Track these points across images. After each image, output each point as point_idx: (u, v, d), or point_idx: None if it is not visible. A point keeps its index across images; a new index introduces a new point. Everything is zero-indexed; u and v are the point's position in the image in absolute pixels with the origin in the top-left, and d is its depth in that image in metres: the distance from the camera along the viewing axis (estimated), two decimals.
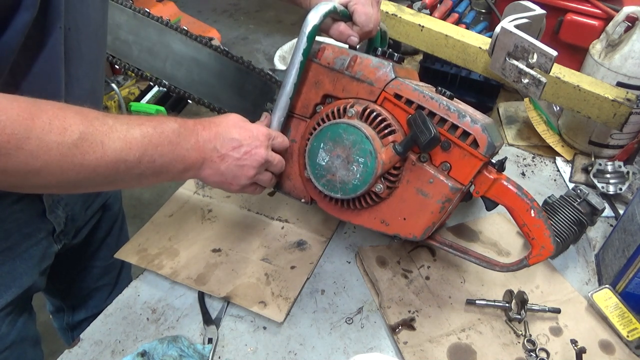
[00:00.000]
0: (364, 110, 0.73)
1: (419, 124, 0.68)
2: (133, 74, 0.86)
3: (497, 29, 0.96)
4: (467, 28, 1.42)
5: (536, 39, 0.91)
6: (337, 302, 0.85)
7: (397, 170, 0.73)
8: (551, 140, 1.21)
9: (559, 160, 1.19)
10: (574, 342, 0.79)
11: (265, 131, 0.74)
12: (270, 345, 0.79)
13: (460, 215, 1.01)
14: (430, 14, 1.35)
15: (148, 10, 0.85)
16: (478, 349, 0.78)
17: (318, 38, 0.75)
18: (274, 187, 0.83)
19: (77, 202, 0.91)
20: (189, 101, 0.89)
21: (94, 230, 1.04)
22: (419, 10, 1.34)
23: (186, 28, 0.87)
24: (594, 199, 0.92)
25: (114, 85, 2.70)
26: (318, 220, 0.99)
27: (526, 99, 1.28)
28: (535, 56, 0.91)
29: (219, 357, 0.77)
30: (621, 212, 1.02)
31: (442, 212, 0.74)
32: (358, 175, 0.72)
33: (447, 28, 1.14)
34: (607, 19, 1.22)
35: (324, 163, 0.75)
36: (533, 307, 0.83)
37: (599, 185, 1.06)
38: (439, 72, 1.30)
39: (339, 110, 0.75)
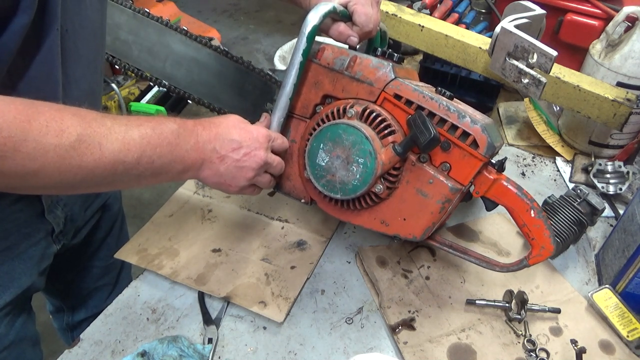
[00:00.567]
0: (364, 110, 0.73)
1: (418, 125, 0.68)
2: (133, 74, 0.86)
3: (497, 29, 0.96)
4: (467, 28, 1.42)
5: (536, 39, 0.91)
6: (337, 302, 0.85)
7: (396, 170, 0.73)
8: (551, 140, 1.21)
9: (559, 160, 1.19)
10: (574, 342, 0.79)
11: (265, 133, 0.74)
12: (270, 345, 0.79)
13: (460, 215, 1.01)
14: (430, 14, 1.35)
15: (148, 11, 0.85)
16: (478, 349, 0.78)
17: (318, 38, 0.75)
18: (273, 187, 0.83)
19: (77, 202, 0.91)
20: (189, 101, 0.89)
21: (94, 231, 1.04)
22: (419, 10, 1.34)
23: (186, 28, 0.87)
24: (594, 199, 0.92)
25: (113, 85, 2.70)
26: (318, 220, 0.99)
27: (526, 99, 1.28)
28: (535, 56, 0.91)
29: (219, 357, 0.77)
30: (621, 212, 1.02)
31: (442, 213, 0.74)
32: (358, 176, 0.72)
33: (447, 28, 1.14)
34: (607, 19, 1.22)
35: (323, 163, 0.75)
36: (533, 307, 0.83)
37: (599, 185, 1.06)
38: (439, 72, 1.30)
39: (338, 110, 0.75)
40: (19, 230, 0.77)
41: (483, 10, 1.57)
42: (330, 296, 0.86)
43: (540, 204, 0.94)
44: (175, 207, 1.00)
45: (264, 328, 0.81)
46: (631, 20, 1.07)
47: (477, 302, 0.84)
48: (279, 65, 1.51)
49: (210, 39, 0.89)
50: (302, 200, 0.84)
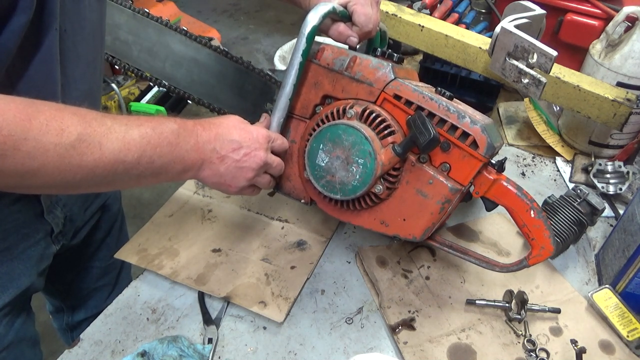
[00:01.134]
0: (364, 111, 0.73)
1: (418, 125, 0.68)
2: (133, 74, 0.86)
3: (497, 29, 0.96)
4: (467, 28, 1.42)
5: (536, 39, 0.91)
6: (337, 302, 0.85)
7: (396, 171, 0.73)
8: (551, 140, 1.21)
9: (559, 160, 1.19)
10: (574, 342, 0.79)
11: (265, 133, 0.74)
12: (270, 345, 0.79)
13: (460, 215, 1.01)
14: (430, 14, 1.35)
15: (147, 11, 0.85)
16: (478, 349, 0.78)
17: (318, 38, 0.75)
18: (273, 188, 0.83)
19: (76, 202, 0.91)
20: (189, 101, 0.90)
21: (93, 231, 1.04)
22: (419, 10, 1.34)
23: (185, 28, 0.87)
24: (594, 199, 0.92)
25: (113, 85, 2.70)
26: (318, 220, 0.99)
27: (526, 99, 1.28)
28: (535, 56, 0.91)
29: (219, 357, 0.77)
30: (621, 212, 1.02)
31: (442, 213, 0.74)
32: (357, 177, 0.72)
33: (447, 28, 1.14)
34: (607, 19, 1.22)
35: (323, 164, 0.75)
36: (533, 307, 0.83)
37: (599, 185, 1.06)
38: (439, 72, 1.30)
39: (338, 111, 0.75)
40: (18, 230, 0.77)
41: (483, 10, 1.57)
42: (330, 296, 0.86)
43: (540, 204, 0.94)
44: (175, 207, 1.00)
45: (264, 328, 0.81)
46: (631, 20, 1.06)
47: (477, 302, 0.84)
48: (279, 66, 1.51)
49: (210, 39, 0.89)
50: (302, 201, 0.84)
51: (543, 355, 0.78)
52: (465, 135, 0.70)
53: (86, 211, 0.97)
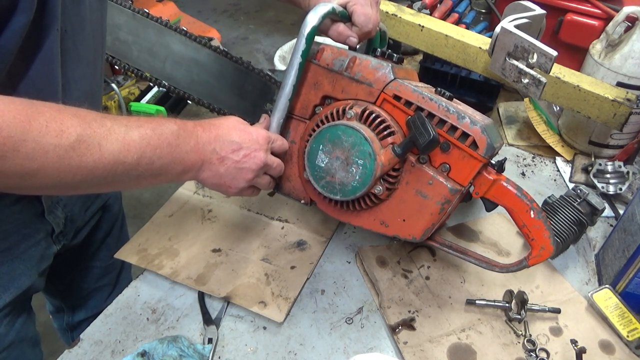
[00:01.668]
0: (363, 111, 0.73)
1: (418, 126, 0.68)
2: (133, 75, 0.86)
3: (497, 29, 0.96)
4: (467, 28, 1.42)
5: (536, 39, 0.91)
6: (337, 302, 0.85)
7: (396, 171, 0.73)
8: (551, 140, 1.21)
9: (559, 160, 1.19)
10: (574, 342, 0.79)
11: (265, 134, 0.74)
12: (270, 345, 0.79)
13: (460, 215, 1.01)
14: (430, 14, 1.35)
15: (147, 11, 0.85)
16: (478, 349, 0.78)
17: (317, 38, 0.75)
18: (273, 188, 0.84)
19: (77, 203, 0.91)
20: (189, 102, 0.90)
21: (94, 231, 1.04)
22: (419, 10, 1.34)
23: (185, 29, 0.87)
24: (594, 199, 0.92)
25: (114, 85, 2.70)
26: (318, 220, 0.99)
27: (526, 99, 1.28)
28: (535, 56, 0.91)
29: (219, 357, 0.77)
30: (621, 212, 1.02)
31: (442, 214, 0.74)
32: (357, 177, 0.72)
33: (447, 28, 1.14)
34: (607, 19, 1.22)
35: (323, 165, 0.75)
36: (533, 307, 0.83)
37: (599, 185, 1.06)
38: (439, 72, 1.30)
39: (338, 111, 0.74)
40: (19, 230, 0.77)
41: (483, 10, 1.57)
42: (330, 296, 0.86)
43: (540, 204, 0.94)
44: (175, 207, 1.00)
45: (264, 328, 0.81)
46: (631, 20, 1.06)
47: (477, 302, 0.84)
48: (279, 66, 1.51)
49: (210, 39, 0.89)
50: (302, 201, 0.84)
51: (543, 355, 0.78)
52: (465, 135, 0.70)
53: (87, 211, 0.97)
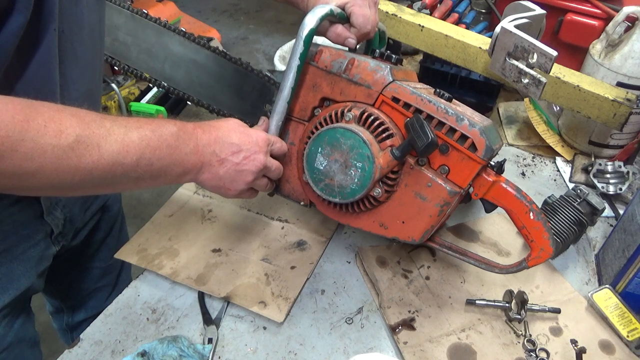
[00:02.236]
0: (362, 114, 0.73)
1: (416, 129, 0.68)
2: (132, 75, 0.86)
3: (497, 29, 0.96)
4: (467, 28, 1.42)
5: (536, 39, 0.91)
6: (337, 302, 0.85)
7: (395, 174, 0.73)
8: (551, 140, 1.21)
9: (559, 160, 1.19)
10: (574, 342, 0.79)
11: (265, 136, 0.74)
12: (270, 345, 0.79)
13: (460, 215, 1.01)
14: (430, 14, 1.35)
15: (146, 12, 0.85)
16: (478, 349, 0.78)
17: (316, 39, 0.75)
18: (272, 190, 0.84)
19: (76, 203, 0.91)
20: (188, 102, 0.90)
21: (93, 232, 1.04)
22: (419, 10, 1.34)
23: (184, 29, 0.87)
24: (594, 199, 0.92)
25: (113, 85, 2.70)
26: (318, 220, 0.99)
27: (526, 99, 1.28)
28: (535, 56, 0.91)
29: (219, 357, 0.77)
30: (621, 212, 1.02)
31: (441, 216, 0.74)
32: (356, 180, 0.72)
33: (447, 28, 1.14)
34: (607, 19, 1.22)
35: (322, 167, 0.74)
36: (533, 307, 0.83)
37: (599, 185, 1.06)
38: (439, 72, 1.30)
39: (336, 114, 0.74)
40: (18, 231, 0.77)
41: (483, 10, 1.57)
42: (330, 296, 0.86)
43: (540, 204, 0.94)
44: (175, 207, 1.01)
45: (264, 328, 0.81)
46: (631, 20, 1.06)
47: (477, 302, 0.84)
48: (279, 66, 1.51)
49: (210, 40, 0.89)
50: (302, 203, 0.84)
51: (543, 355, 0.78)
52: (464, 137, 0.70)
53: (86, 212, 0.97)
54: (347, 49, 0.82)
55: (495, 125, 0.84)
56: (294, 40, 0.75)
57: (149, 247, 0.92)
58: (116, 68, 0.87)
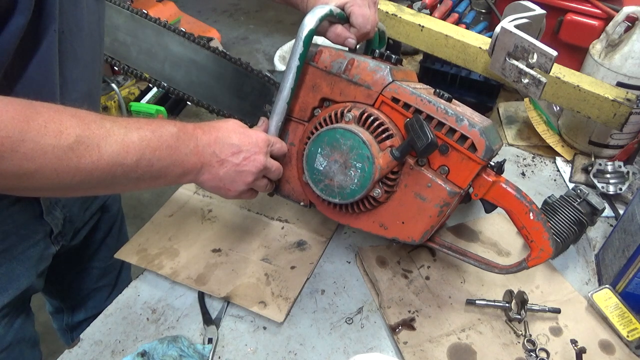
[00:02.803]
0: (362, 114, 0.73)
1: (416, 129, 0.68)
2: (132, 75, 0.86)
3: (497, 29, 0.96)
4: (467, 28, 1.42)
5: (536, 39, 0.91)
6: (337, 302, 0.85)
7: (395, 174, 0.73)
8: (551, 140, 1.21)
9: (559, 160, 1.19)
10: (574, 342, 0.79)
11: (265, 137, 0.74)
12: (270, 345, 0.79)
13: (460, 215, 1.01)
14: (430, 14, 1.35)
15: (146, 12, 0.85)
16: (478, 349, 0.78)
17: (316, 39, 0.75)
18: (272, 190, 0.84)
19: (76, 203, 0.90)
20: (188, 102, 0.89)
21: (93, 232, 1.04)
22: (419, 10, 1.34)
23: (184, 29, 0.87)
24: (594, 199, 0.92)
25: (113, 85, 2.70)
26: (318, 220, 0.99)
27: (526, 99, 1.28)
28: (535, 56, 0.91)
29: (219, 357, 0.77)
30: (621, 212, 1.02)
31: (441, 216, 0.74)
32: (356, 180, 0.72)
33: (447, 28, 1.14)
34: (607, 19, 1.22)
35: (321, 168, 0.74)
36: (533, 307, 0.83)
37: (599, 185, 1.06)
38: (439, 72, 1.30)
39: (336, 114, 0.74)
40: (18, 231, 0.77)
41: (483, 10, 1.57)
42: (330, 296, 0.86)
43: (540, 204, 0.94)
44: (175, 207, 1.01)
45: (264, 328, 0.81)
46: (631, 20, 1.06)
47: (477, 302, 0.84)
48: (279, 66, 1.51)
49: (209, 40, 0.89)
50: (302, 203, 0.84)
51: (543, 355, 0.78)
52: (463, 138, 0.70)
53: (86, 212, 0.97)
54: (346, 49, 0.82)
55: (495, 125, 0.84)
56: (293, 41, 0.75)
57: (149, 247, 0.92)
58: (116, 68, 0.87)
